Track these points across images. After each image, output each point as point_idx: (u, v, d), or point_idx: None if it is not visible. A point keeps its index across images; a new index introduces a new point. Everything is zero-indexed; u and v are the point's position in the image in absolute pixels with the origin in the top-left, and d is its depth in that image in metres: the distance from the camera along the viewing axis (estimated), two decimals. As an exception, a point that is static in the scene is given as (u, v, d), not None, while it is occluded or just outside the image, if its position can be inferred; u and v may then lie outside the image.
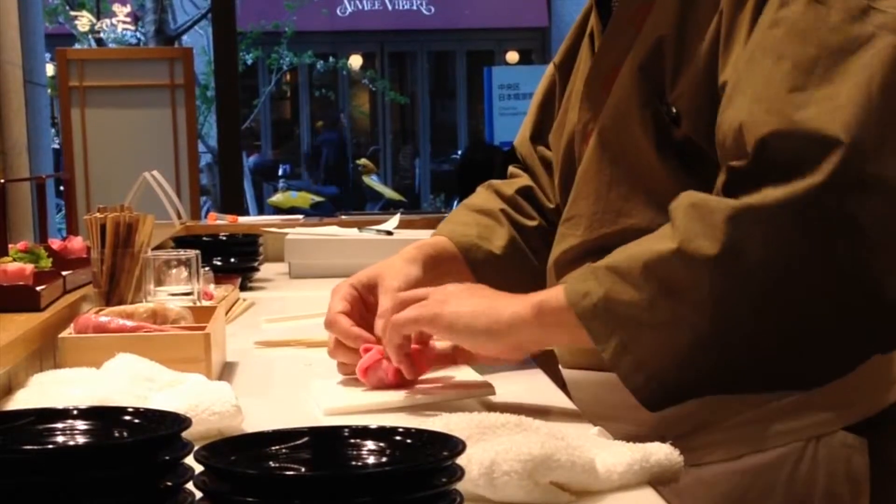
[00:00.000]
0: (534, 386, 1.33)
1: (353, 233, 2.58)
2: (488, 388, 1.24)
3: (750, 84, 1.08)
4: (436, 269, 1.41)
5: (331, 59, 12.50)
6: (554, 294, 1.14)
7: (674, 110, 1.18)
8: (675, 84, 1.18)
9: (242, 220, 3.17)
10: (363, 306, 1.36)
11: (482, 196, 1.59)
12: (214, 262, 2.22)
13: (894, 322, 1.08)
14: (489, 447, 0.89)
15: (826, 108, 1.03)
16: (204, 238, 2.45)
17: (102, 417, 0.85)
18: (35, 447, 0.79)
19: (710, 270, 1.04)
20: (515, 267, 1.45)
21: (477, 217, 1.52)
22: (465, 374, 1.29)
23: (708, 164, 1.14)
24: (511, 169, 1.63)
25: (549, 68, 1.53)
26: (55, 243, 1.93)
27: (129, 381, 1.18)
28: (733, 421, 1.12)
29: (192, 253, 1.65)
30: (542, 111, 1.53)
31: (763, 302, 1.04)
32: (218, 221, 3.11)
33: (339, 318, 1.32)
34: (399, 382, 1.23)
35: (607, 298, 1.09)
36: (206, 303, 1.68)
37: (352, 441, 0.82)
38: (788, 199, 1.02)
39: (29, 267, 1.58)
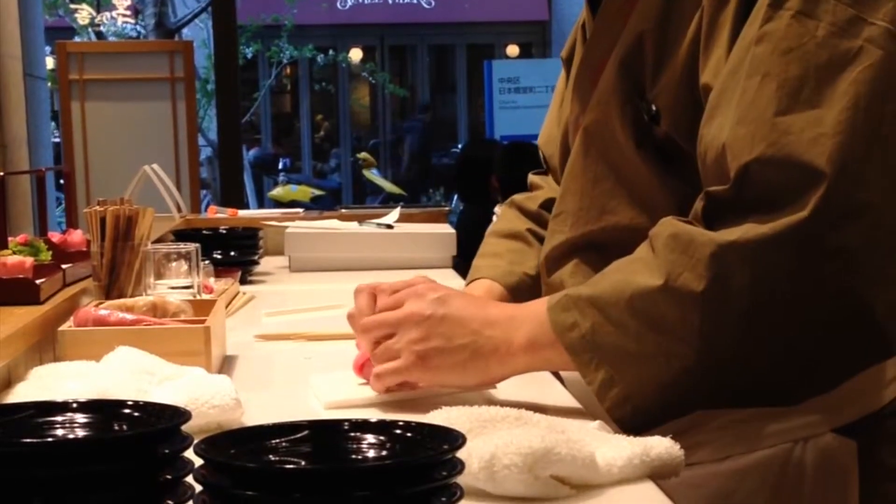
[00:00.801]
0: (534, 379, 1.33)
1: (353, 226, 2.58)
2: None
3: (734, 102, 1.06)
4: None
5: (331, 52, 12.49)
6: (541, 329, 1.12)
7: (654, 108, 1.17)
8: (655, 81, 1.17)
9: (242, 213, 3.17)
10: None
11: (507, 218, 1.59)
12: (214, 256, 2.22)
13: (881, 333, 1.07)
14: (489, 441, 0.89)
15: (811, 135, 1.01)
16: (204, 231, 2.45)
17: (102, 411, 0.85)
18: (35, 440, 0.79)
19: (697, 306, 1.03)
20: None
21: (507, 244, 1.53)
22: None
23: (688, 162, 1.13)
24: (531, 178, 1.62)
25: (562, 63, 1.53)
26: (55, 236, 1.93)
27: (128, 375, 1.18)
28: (719, 422, 1.11)
29: (191, 246, 1.65)
30: (561, 108, 1.52)
31: (750, 331, 1.04)
32: (218, 215, 3.10)
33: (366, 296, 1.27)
34: None
35: (594, 332, 1.08)
36: (205, 296, 1.68)
37: (352, 435, 0.82)
38: (774, 235, 1.01)
39: (29, 260, 1.58)
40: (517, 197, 1.61)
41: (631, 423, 1.08)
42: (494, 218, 4.43)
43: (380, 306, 1.20)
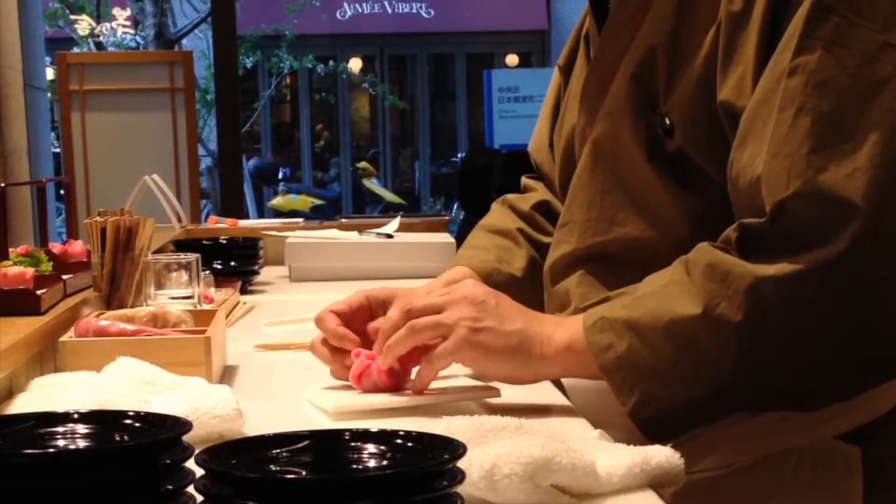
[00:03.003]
0: (535, 388, 1.33)
1: (353, 236, 2.58)
2: (493, 391, 1.24)
3: (767, 133, 1.06)
4: None
5: (331, 62, 12.51)
6: (579, 337, 1.14)
7: (667, 121, 1.17)
8: (668, 95, 1.17)
9: (242, 223, 3.17)
10: (367, 316, 1.32)
11: (498, 215, 1.58)
12: (215, 266, 2.22)
13: None
14: (490, 450, 0.89)
15: (846, 171, 1.02)
16: (204, 241, 2.45)
17: (103, 421, 0.85)
18: (36, 451, 0.79)
19: (734, 334, 1.05)
20: (537, 286, 1.43)
21: (495, 239, 1.51)
22: (470, 379, 1.29)
23: (702, 177, 1.14)
24: (525, 181, 1.61)
25: (555, 71, 1.52)
26: (55, 247, 1.93)
27: (129, 385, 1.18)
28: (725, 429, 1.12)
29: (192, 256, 1.66)
30: (554, 115, 1.51)
31: (785, 356, 1.05)
32: (218, 225, 3.11)
33: (328, 315, 1.30)
34: (393, 385, 1.23)
35: (630, 354, 1.09)
36: (206, 306, 1.68)
37: (352, 444, 0.82)
38: (810, 270, 1.02)
39: (29, 271, 1.58)
40: (510, 196, 1.60)
41: (661, 438, 1.07)
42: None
43: (427, 300, 1.20)
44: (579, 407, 1.24)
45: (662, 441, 1.05)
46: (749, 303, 1.04)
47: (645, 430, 1.09)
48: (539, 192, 1.55)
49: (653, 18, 1.18)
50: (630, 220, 1.22)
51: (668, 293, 1.10)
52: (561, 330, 1.16)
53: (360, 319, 1.32)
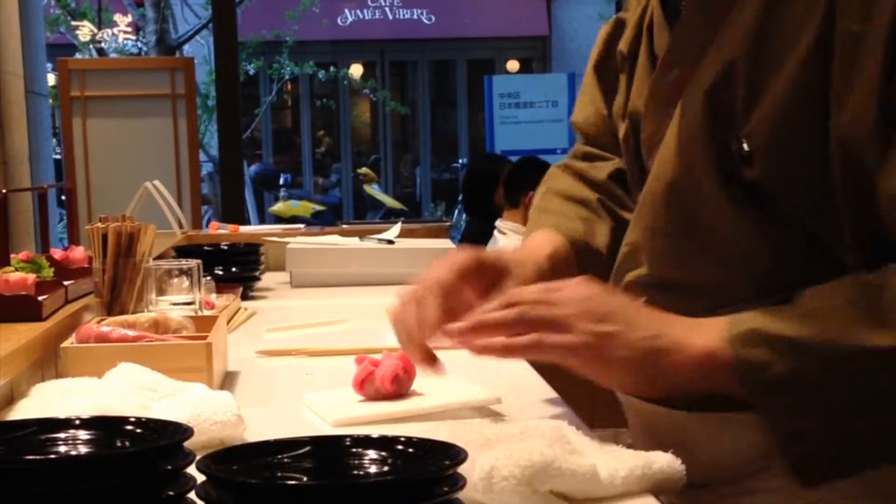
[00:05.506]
0: (538, 395, 1.33)
1: (354, 242, 2.59)
2: (494, 397, 1.24)
3: None
4: (563, 269, 1.24)
5: (332, 68, 12.52)
6: (722, 346, 1.00)
7: (745, 147, 1.01)
8: (747, 117, 1.02)
9: (244, 229, 3.18)
10: (477, 283, 1.16)
11: (566, 181, 1.38)
12: (216, 272, 2.22)
13: None
14: (491, 454, 0.89)
15: None
16: (205, 247, 2.45)
17: (104, 427, 0.85)
18: (37, 457, 0.79)
19: None
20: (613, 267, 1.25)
21: (576, 208, 1.34)
22: (471, 386, 1.29)
23: (784, 209, 1.02)
24: (584, 148, 1.41)
25: (605, 29, 1.36)
26: (57, 253, 1.93)
27: (130, 391, 1.18)
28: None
29: (193, 262, 1.66)
30: (603, 91, 1.35)
31: None
32: (219, 231, 3.11)
33: (431, 289, 1.12)
34: (395, 392, 1.24)
35: (795, 378, 0.96)
36: (207, 312, 1.68)
37: (354, 450, 0.82)
38: None
39: (31, 277, 1.58)
40: (569, 162, 1.41)
41: (820, 478, 0.99)
42: (495, 232, 4.45)
43: (540, 294, 1.06)
44: (633, 426, 1.18)
45: (825, 481, 0.98)
46: None
47: (797, 469, 0.99)
48: (614, 161, 1.37)
49: (732, 27, 1.04)
50: (702, 256, 1.07)
51: (846, 316, 0.96)
52: (696, 336, 1.02)
53: (471, 288, 1.15)
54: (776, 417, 0.98)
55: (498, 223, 4.40)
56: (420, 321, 1.11)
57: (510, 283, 1.16)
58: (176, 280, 1.64)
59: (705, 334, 1.01)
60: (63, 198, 7.00)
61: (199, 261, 1.67)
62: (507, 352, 1.05)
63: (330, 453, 0.83)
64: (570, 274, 1.17)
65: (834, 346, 0.95)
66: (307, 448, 0.82)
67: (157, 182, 3.09)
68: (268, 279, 2.49)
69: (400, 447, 0.82)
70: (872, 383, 0.96)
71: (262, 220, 11.14)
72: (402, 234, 2.72)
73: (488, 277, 1.17)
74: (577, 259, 1.28)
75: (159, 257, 1.97)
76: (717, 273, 1.06)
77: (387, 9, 13.07)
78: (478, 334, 1.05)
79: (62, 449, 0.82)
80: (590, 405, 1.21)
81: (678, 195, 1.08)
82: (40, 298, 1.53)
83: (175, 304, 1.62)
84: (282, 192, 11.84)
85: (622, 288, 1.16)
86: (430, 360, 1.11)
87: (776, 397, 0.97)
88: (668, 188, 1.09)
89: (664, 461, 0.95)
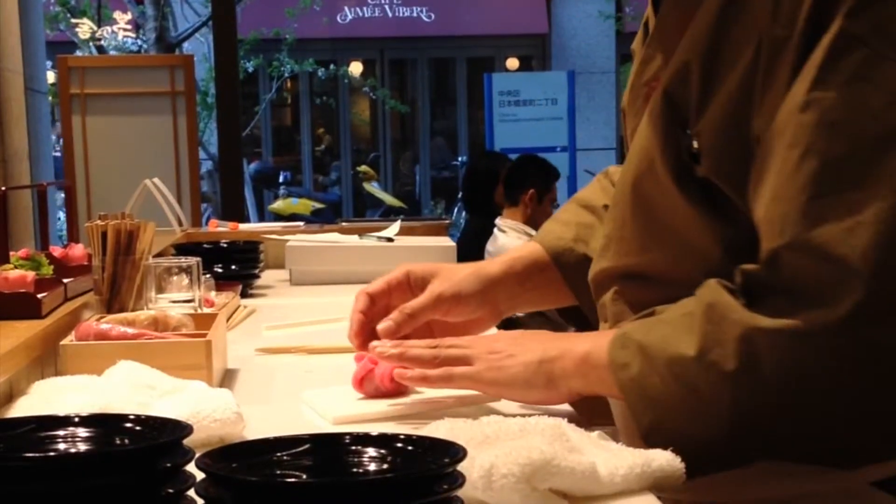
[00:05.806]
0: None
1: (353, 240, 2.59)
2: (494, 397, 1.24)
3: (773, 172, 0.98)
4: (522, 284, 1.38)
5: (331, 66, 12.52)
6: (599, 351, 1.10)
7: (695, 145, 1.06)
8: (698, 117, 1.06)
9: (243, 227, 3.17)
10: (406, 293, 1.33)
11: (593, 187, 1.48)
12: (215, 270, 2.22)
13: None
14: (491, 452, 0.89)
15: (847, 224, 0.93)
16: (205, 245, 2.45)
17: (104, 425, 0.85)
18: (36, 455, 0.79)
19: (728, 383, 0.98)
20: None
21: (580, 214, 1.44)
22: None
23: (730, 202, 1.05)
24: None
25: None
26: (56, 251, 1.93)
27: (130, 389, 1.18)
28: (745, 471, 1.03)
29: (192, 260, 1.66)
30: None
31: (788, 411, 0.97)
32: (219, 228, 3.11)
33: (360, 296, 1.31)
34: (395, 390, 1.24)
35: (641, 377, 1.04)
36: (207, 310, 1.68)
37: (353, 448, 0.82)
38: (806, 331, 0.94)
39: (30, 274, 1.58)
40: (612, 168, 1.49)
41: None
42: (495, 230, 4.45)
43: (454, 340, 1.22)
44: (619, 417, 1.21)
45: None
46: (741, 353, 0.97)
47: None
48: None
49: (692, 32, 1.08)
50: (659, 246, 1.13)
51: (675, 325, 1.04)
52: (582, 342, 1.13)
53: (398, 297, 1.33)
54: (638, 413, 1.05)
55: (498, 221, 4.40)
56: (351, 322, 1.31)
57: (421, 296, 1.31)
58: (175, 278, 1.64)
59: (592, 340, 1.12)
60: (62, 194, 7.00)
61: (198, 258, 1.67)
62: (424, 382, 1.20)
63: (329, 451, 0.83)
64: (542, 278, 1.38)
65: (661, 352, 1.03)
66: (307, 446, 0.82)
67: (156, 180, 3.09)
68: (267, 277, 2.49)
69: (399, 445, 0.82)
70: (688, 388, 1.01)
71: (261, 218, 11.14)
72: (402, 232, 2.72)
73: (417, 288, 1.32)
74: (558, 265, 1.40)
75: (159, 255, 1.97)
76: (675, 264, 1.12)
77: (386, 6, 13.07)
78: (402, 364, 1.20)
79: (61, 446, 0.82)
80: (589, 403, 1.22)
81: (641, 188, 1.15)
82: (40, 296, 1.53)
83: (174, 301, 1.62)
84: (281, 190, 11.84)
85: (592, 280, 1.26)
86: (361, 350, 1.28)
87: (635, 394, 1.05)
88: (633, 181, 1.16)
89: (664, 459, 0.95)
